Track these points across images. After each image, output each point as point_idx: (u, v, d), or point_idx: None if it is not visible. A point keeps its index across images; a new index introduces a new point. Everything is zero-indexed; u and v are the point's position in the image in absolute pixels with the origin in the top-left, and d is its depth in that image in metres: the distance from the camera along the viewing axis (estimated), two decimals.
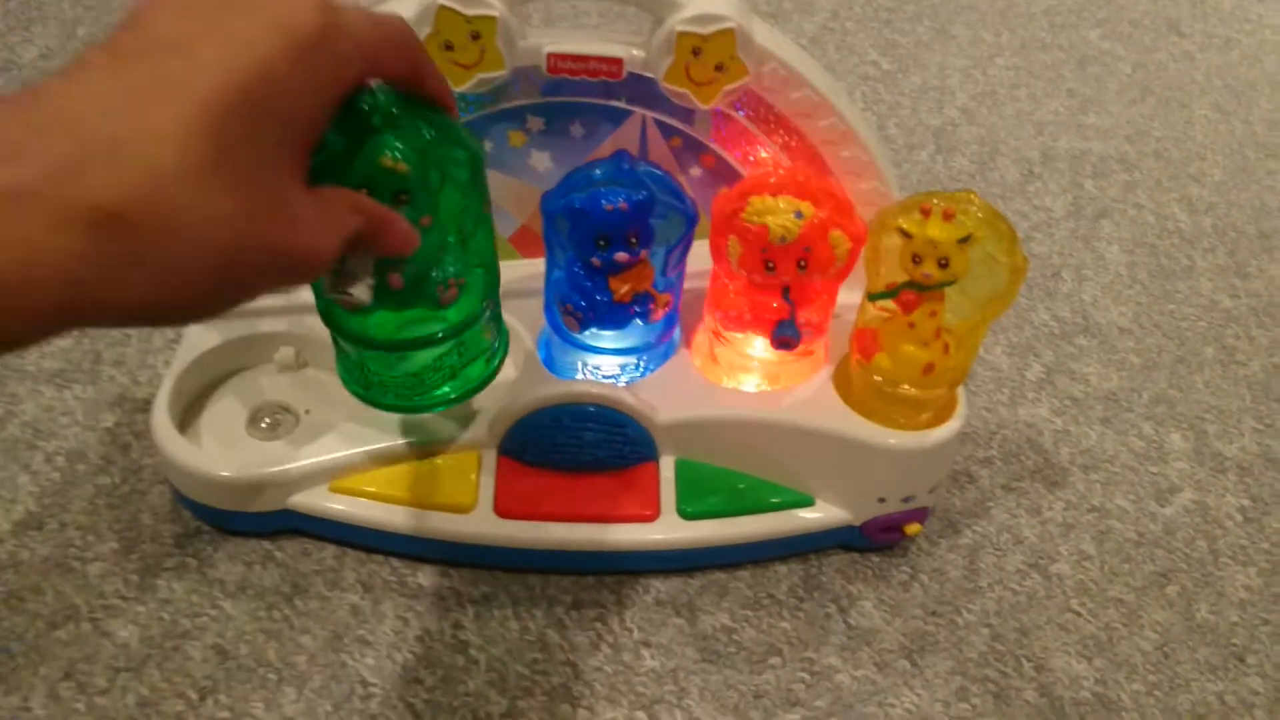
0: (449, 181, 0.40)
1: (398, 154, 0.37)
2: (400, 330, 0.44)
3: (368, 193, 0.35)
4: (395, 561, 0.54)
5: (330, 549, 0.55)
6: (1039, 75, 1.01)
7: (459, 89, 0.50)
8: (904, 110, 0.94)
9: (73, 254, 0.23)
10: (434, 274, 0.42)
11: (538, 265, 0.55)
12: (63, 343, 0.64)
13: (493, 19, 0.48)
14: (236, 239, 0.26)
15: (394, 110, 0.36)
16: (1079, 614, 0.56)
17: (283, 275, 0.29)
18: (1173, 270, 0.80)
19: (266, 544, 0.55)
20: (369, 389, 0.48)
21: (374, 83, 0.36)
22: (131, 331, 0.65)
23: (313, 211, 0.30)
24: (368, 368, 0.47)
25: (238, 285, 0.28)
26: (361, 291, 0.38)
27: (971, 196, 0.47)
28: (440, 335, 0.45)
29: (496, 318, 0.49)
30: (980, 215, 0.46)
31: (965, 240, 0.46)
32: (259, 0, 0.28)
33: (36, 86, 0.25)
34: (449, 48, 0.49)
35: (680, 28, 0.48)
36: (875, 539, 0.56)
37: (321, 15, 0.29)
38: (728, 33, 0.49)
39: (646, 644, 0.52)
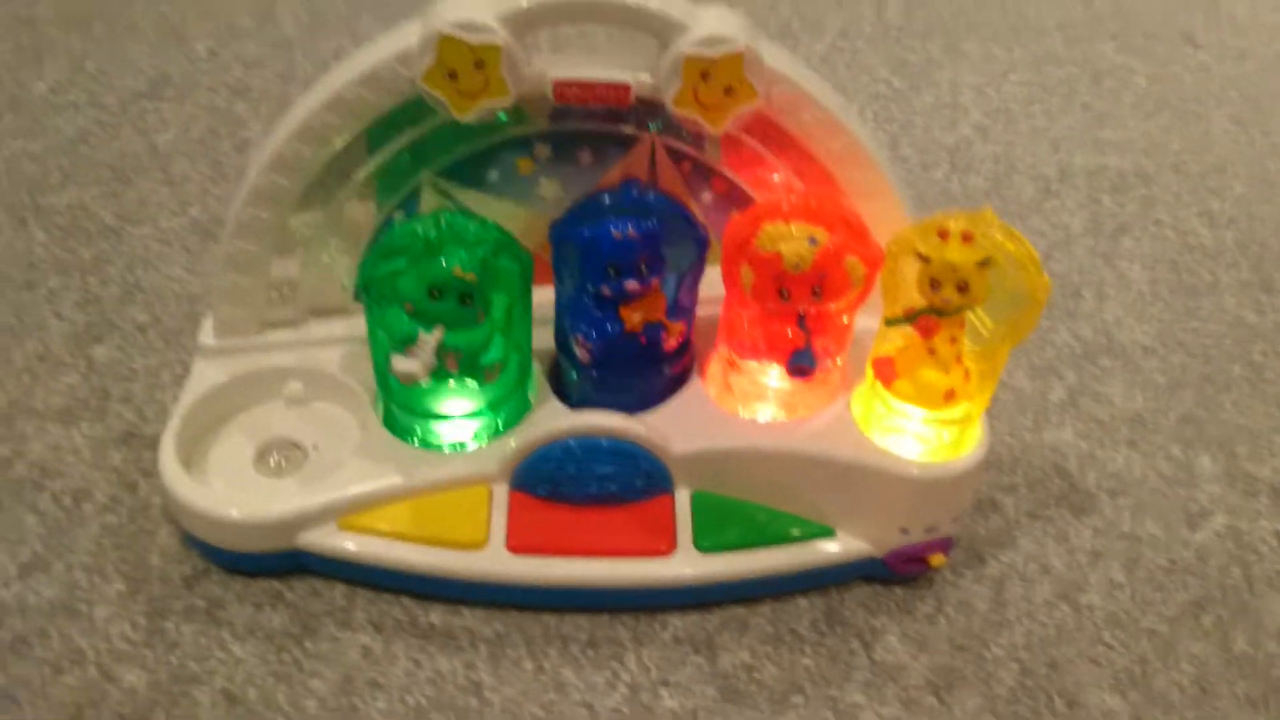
0: (502, 286, 0.49)
1: (466, 265, 0.47)
2: (442, 402, 0.52)
3: (438, 294, 0.47)
4: (406, 600, 0.53)
5: (340, 588, 0.54)
6: (1053, 91, 1.00)
7: (463, 118, 0.50)
8: (917, 129, 0.93)
9: None
10: (481, 359, 0.50)
11: (547, 293, 0.54)
12: (69, 379, 0.63)
13: (497, 47, 0.47)
14: None
15: (464, 230, 0.47)
16: (1111, 646, 0.54)
17: None
18: (1196, 287, 0.78)
19: (276, 584, 0.54)
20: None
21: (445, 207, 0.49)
22: (139, 367, 0.64)
23: None
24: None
25: None
26: (421, 372, 0.48)
27: (990, 216, 0.46)
28: (477, 409, 0.52)
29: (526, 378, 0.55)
30: (999, 236, 0.45)
31: (985, 263, 0.45)
32: None
33: None
34: (453, 77, 0.48)
35: (688, 51, 0.47)
36: (898, 570, 0.54)
37: None
38: (736, 56, 0.48)
39: (665, 683, 0.51)
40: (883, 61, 1.02)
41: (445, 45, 0.47)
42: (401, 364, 0.49)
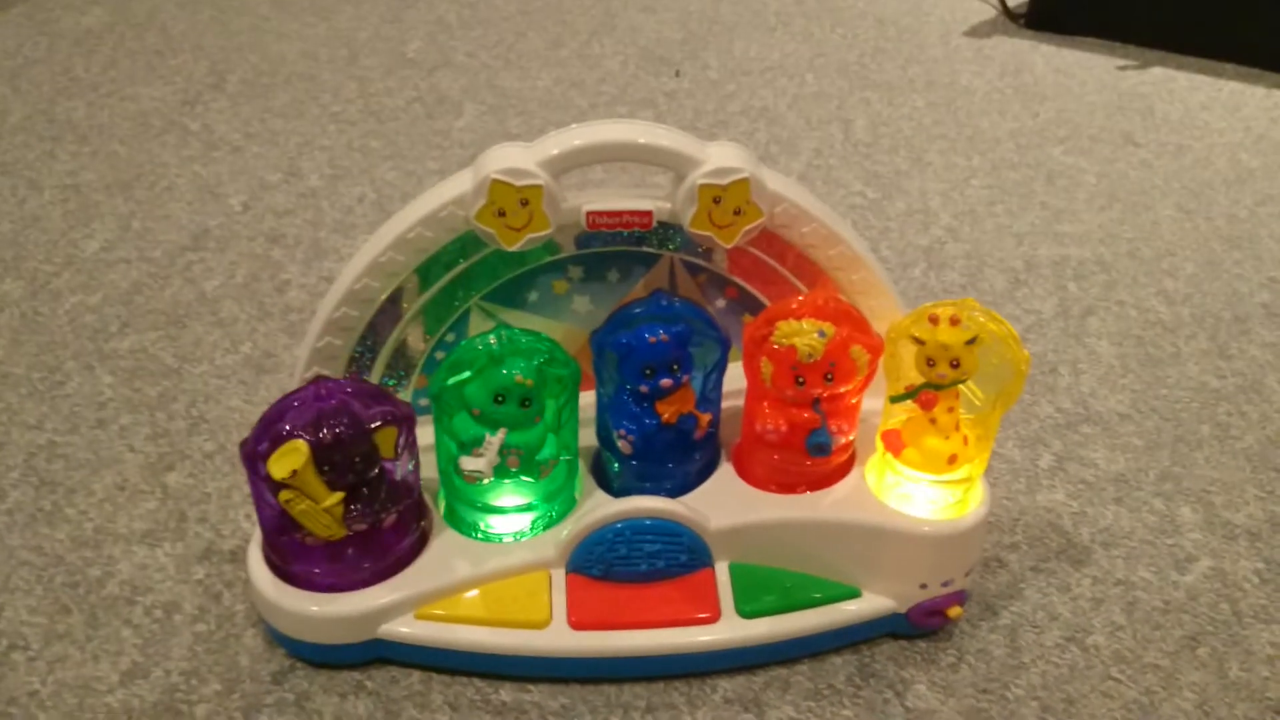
0: (554, 390, 0.57)
1: (526, 372, 0.54)
2: (502, 497, 0.59)
3: (502, 399, 0.54)
4: (478, 681, 0.58)
5: (416, 674, 0.59)
6: (1012, 192, 1.10)
7: (511, 248, 0.57)
8: (893, 234, 1.02)
9: None
10: (537, 456, 0.57)
11: (588, 397, 0.61)
12: (149, 505, 0.69)
13: (539, 187, 0.55)
14: None
15: (520, 342, 0.55)
16: (1119, 681, 0.59)
17: None
18: (1160, 358, 0.86)
19: (356, 674, 0.59)
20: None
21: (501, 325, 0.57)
22: (210, 490, 0.70)
23: None
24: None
25: None
26: (487, 470, 0.55)
27: (972, 303, 0.54)
28: (533, 502, 0.59)
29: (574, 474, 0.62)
30: (982, 318, 0.53)
31: (972, 341, 0.53)
32: None
33: None
34: (501, 214, 0.56)
35: (702, 181, 0.56)
36: (921, 624, 0.60)
37: None
38: (743, 182, 0.56)
39: None
40: (856, 176, 1.12)
41: (496, 188, 0.55)
42: (470, 464, 0.56)
